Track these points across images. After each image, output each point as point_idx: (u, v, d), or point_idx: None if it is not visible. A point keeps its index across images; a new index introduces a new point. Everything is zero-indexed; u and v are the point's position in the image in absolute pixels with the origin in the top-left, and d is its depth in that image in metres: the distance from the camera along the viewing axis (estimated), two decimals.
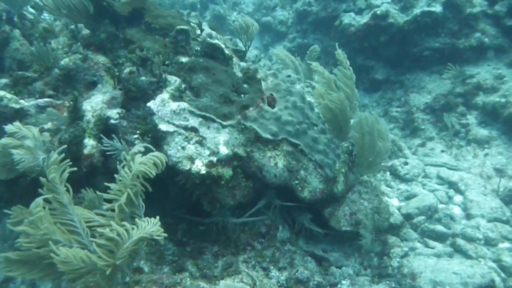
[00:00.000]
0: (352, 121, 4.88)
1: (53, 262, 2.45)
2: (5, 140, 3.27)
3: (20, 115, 3.81)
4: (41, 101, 3.87)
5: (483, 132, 6.78)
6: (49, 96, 4.18)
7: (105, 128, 3.99)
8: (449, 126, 6.96)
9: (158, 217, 2.77)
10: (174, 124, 3.75)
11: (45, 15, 5.62)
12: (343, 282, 4.35)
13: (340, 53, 4.95)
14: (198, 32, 4.89)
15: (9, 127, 3.28)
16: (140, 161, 2.95)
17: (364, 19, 8.45)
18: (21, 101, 3.82)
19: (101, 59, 4.37)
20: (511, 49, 7.42)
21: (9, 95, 3.74)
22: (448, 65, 7.32)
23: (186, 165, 3.62)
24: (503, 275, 4.44)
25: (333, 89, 4.75)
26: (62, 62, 4.27)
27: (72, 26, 4.83)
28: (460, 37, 7.70)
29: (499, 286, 4.23)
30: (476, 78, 7.31)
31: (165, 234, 2.71)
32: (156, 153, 3.08)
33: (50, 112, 3.74)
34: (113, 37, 4.49)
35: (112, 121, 3.97)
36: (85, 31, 4.64)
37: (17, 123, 3.34)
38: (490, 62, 7.47)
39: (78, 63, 4.27)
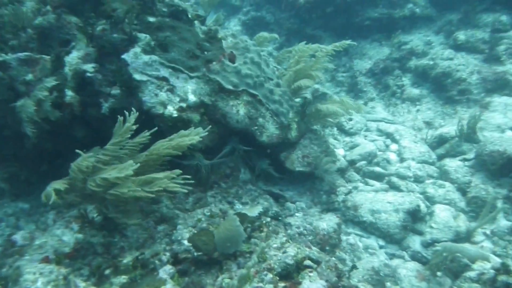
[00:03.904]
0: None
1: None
2: None
3: (3, 67, 4.14)
4: (21, 54, 4.21)
5: (415, 91, 7.73)
6: None
7: (81, 81, 4.40)
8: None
9: None
10: (147, 74, 4.24)
11: None
12: (297, 214, 5.04)
13: None
14: None
15: None
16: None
17: None
18: (3, 54, 4.14)
19: (73, 19, 4.71)
20: (438, 18, 8.40)
21: None
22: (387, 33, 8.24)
23: (159, 110, 4.14)
24: (427, 203, 5.34)
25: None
26: (36, 21, 4.57)
27: None
28: (396, 7, 8.58)
29: (423, 210, 5.12)
30: (409, 44, 8.24)
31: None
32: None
33: (42, 63, 4.10)
34: None
35: (88, 74, 4.37)
36: None
37: None
38: (421, 30, 8.41)
39: (52, 22, 4.59)
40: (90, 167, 3.32)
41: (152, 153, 3.63)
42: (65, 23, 4.62)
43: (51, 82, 4.04)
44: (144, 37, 4.48)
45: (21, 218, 4.71)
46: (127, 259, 3.63)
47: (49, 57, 4.33)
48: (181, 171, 3.57)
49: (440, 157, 6.24)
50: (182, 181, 3.50)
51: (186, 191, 3.49)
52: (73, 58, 4.41)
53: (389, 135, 6.84)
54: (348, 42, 5.51)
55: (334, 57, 9.11)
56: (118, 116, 3.52)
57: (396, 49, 8.32)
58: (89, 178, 3.36)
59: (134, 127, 3.52)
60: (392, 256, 4.80)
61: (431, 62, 7.72)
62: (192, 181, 3.58)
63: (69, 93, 4.24)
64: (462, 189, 5.54)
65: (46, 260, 3.64)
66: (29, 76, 4.16)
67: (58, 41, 4.63)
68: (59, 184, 3.30)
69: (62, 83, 4.09)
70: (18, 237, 4.27)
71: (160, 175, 3.44)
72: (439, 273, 4.29)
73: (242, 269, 2.79)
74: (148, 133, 3.67)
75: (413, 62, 8.06)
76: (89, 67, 4.40)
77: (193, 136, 3.66)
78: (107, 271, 3.56)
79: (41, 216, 4.60)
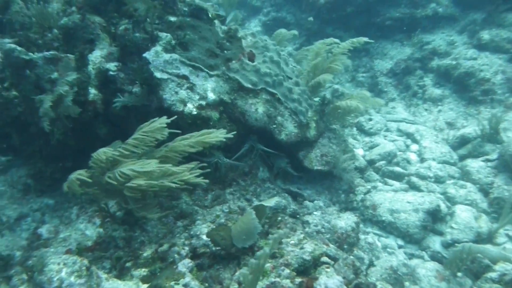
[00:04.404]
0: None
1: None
2: None
3: (30, 65, 4.29)
4: (47, 53, 4.35)
5: (437, 91, 7.63)
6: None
7: (104, 80, 4.51)
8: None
9: None
10: (167, 72, 4.32)
11: None
12: (315, 213, 5.04)
13: None
14: None
15: None
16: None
17: None
18: (30, 53, 4.29)
19: (97, 19, 4.84)
20: (461, 18, 8.27)
21: (19, 48, 4.21)
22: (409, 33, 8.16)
23: (179, 107, 4.22)
24: (448, 203, 5.26)
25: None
26: (61, 21, 4.72)
27: None
28: (418, 7, 8.48)
29: (443, 210, 5.05)
30: (432, 44, 8.13)
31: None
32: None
33: (65, 61, 4.23)
34: (107, 0, 4.96)
35: (111, 73, 4.49)
36: None
37: None
38: (444, 29, 8.29)
39: (77, 22, 4.73)
40: (110, 160, 3.41)
41: (171, 150, 3.70)
42: (89, 23, 4.75)
43: (72, 76, 4.15)
44: (165, 36, 4.57)
45: (46, 213, 4.85)
46: (147, 253, 3.71)
47: (73, 56, 4.45)
48: (198, 162, 3.64)
49: (462, 158, 6.14)
50: (199, 173, 3.56)
51: (205, 183, 3.55)
52: (96, 57, 4.54)
53: (409, 135, 6.77)
54: (365, 39, 5.49)
55: (354, 57, 9.18)
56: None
57: (418, 49, 8.24)
58: (108, 172, 3.45)
59: (160, 125, 3.60)
60: (411, 256, 4.76)
61: (454, 62, 7.61)
62: (208, 172, 3.64)
63: (92, 91, 4.36)
64: (484, 190, 5.45)
65: (69, 252, 3.75)
66: (54, 75, 4.29)
67: (82, 40, 4.76)
68: (81, 174, 3.40)
69: (86, 81, 4.20)
70: (44, 230, 4.41)
71: (180, 168, 3.50)
72: (459, 274, 4.23)
73: (253, 260, 2.81)
74: (167, 131, 3.72)
75: (435, 62, 7.97)
76: (111, 65, 4.52)
77: (217, 134, 3.71)
78: (127, 264, 3.65)
79: (65, 211, 4.73)
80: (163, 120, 3.64)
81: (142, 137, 3.56)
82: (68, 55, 4.50)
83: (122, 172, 3.35)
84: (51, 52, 4.38)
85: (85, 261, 3.43)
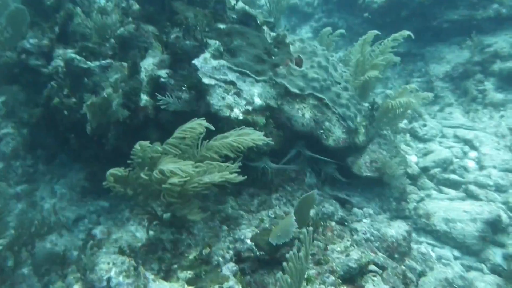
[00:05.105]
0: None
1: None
2: None
3: (88, 73, 4.54)
4: (104, 62, 4.59)
5: (499, 96, 7.20)
6: None
7: (156, 86, 4.67)
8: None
9: None
10: (215, 78, 4.40)
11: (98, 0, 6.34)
12: (364, 220, 4.90)
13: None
14: (233, 3, 5.50)
15: None
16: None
17: None
18: (88, 62, 4.54)
19: (151, 28, 5.06)
20: None
21: (79, 57, 4.47)
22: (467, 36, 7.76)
23: (226, 112, 4.27)
24: (510, 213, 4.92)
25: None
26: (118, 31, 4.97)
27: (124, 4, 5.52)
28: (478, 8, 8.07)
29: (505, 221, 4.73)
30: (493, 47, 7.70)
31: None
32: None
33: (114, 66, 4.44)
34: (160, 10, 5.16)
35: (162, 80, 4.64)
36: (136, 6, 5.33)
37: None
38: (507, 31, 7.82)
39: (132, 32, 4.95)
40: (148, 156, 3.50)
41: (211, 148, 3.73)
42: (143, 32, 4.96)
43: (114, 76, 4.31)
44: (214, 43, 4.66)
45: (102, 215, 5.07)
46: (193, 255, 3.76)
47: (126, 63, 4.65)
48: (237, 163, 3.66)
49: None
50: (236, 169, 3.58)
51: (239, 180, 3.57)
52: (148, 64, 4.72)
53: (467, 142, 6.42)
54: (408, 32, 5.30)
55: (408, 62, 8.88)
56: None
57: (478, 52, 7.81)
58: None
59: (198, 126, 3.65)
60: (468, 268, 4.49)
61: None
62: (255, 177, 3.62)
63: (144, 97, 4.52)
64: None
65: (120, 252, 3.88)
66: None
67: (136, 49, 4.97)
68: (117, 169, 3.52)
69: (138, 87, 4.37)
70: (97, 231, 4.61)
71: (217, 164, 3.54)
72: None
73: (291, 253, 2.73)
74: (205, 124, 3.74)
75: (498, 65, 7.51)
76: (163, 72, 4.68)
77: (256, 136, 3.71)
78: (174, 266, 3.72)
79: (119, 213, 4.92)
80: (201, 120, 3.69)
81: (182, 135, 3.63)
82: (123, 63, 4.71)
83: (160, 170, 3.41)
84: (107, 61, 4.61)
85: (133, 262, 3.55)
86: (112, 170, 3.50)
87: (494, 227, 4.73)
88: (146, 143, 3.54)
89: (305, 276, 3.30)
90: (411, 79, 8.57)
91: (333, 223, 4.34)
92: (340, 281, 3.34)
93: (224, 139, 3.73)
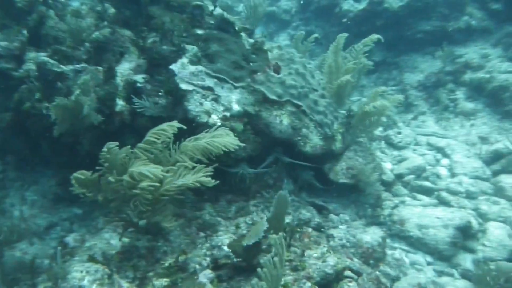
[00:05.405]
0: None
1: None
2: None
3: (61, 78, 4.44)
4: (78, 66, 4.50)
5: (469, 105, 7.41)
6: None
7: (132, 91, 4.61)
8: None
9: None
10: (192, 84, 4.37)
11: (72, 3, 6.22)
12: (340, 226, 4.94)
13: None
14: (211, 8, 5.50)
15: None
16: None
17: (361, 5, 9.06)
18: (62, 66, 4.44)
19: (127, 32, 4.99)
20: (496, 30, 8.04)
21: (52, 60, 4.37)
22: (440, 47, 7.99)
23: (204, 118, 4.25)
24: (480, 219, 5.06)
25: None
26: (93, 35, 4.89)
27: (99, 8, 5.44)
28: (450, 19, 8.31)
29: (475, 227, 4.85)
30: (464, 57, 7.93)
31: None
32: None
33: (89, 70, 4.36)
34: (137, 14, 5.11)
35: (138, 84, 4.59)
36: (111, 10, 5.26)
37: None
38: (477, 42, 8.08)
39: (108, 36, 4.88)
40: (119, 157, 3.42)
41: (183, 151, 3.66)
42: (119, 36, 4.89)
43: (82, 78, 4.18)
44: (191, 48, 4.65)
45: (75, 223, 4.95)
46: (169, 263, 3.71)
47: (102, 68, 4.58)
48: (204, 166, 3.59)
49: (495, 173, 5.90)
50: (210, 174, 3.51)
51: (213, 183, 3.45)
52: (124, 69, 4.66)
53: (440, 150, 6.58)
54: (378, 36, 5.44)
55: (383, 70, 9.05)
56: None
57: (450, 62, 8.05)
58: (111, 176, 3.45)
59: (169, 128, 3.59)
60: (440, 273, 4.58)
61: (488, 75, 7.38)
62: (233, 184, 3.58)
63: (120, 102, 4.45)
64: None
65: (94, 260, 3.79)
66: None
67: (112, 53, 4.90)
68: (80, 173, 3.42)
69: (113, 92, 4.30)
70: (70, 239, 4.49)
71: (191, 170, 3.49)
72: None
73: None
74: (177, 125, 3.66)
75: (468, 76, 7.75)
76: (139, 77, 4.62)
77: (229, 140, 3.66)
78: (150, 274, 3.66)
79: (93, 220, 4.81)
80: (172, 122, 3.63)
81: (153, 139, 3.57)
82: (98, 67, 4.63)
83: (130, 173, 3.33)
84: (81, 65, 4.52)
85: (107, 270, 3.47)
86: (76, 174, 3.40)
87: (464, 233, 4.85)
88: (114, 145, 3.43)
89: (282, 282, 3.29)
90: (386, 87, 8.71)
91: (310, 229, 4.37)
92: (317, 287, 3.34)
93: (198, 141, 3.67)
